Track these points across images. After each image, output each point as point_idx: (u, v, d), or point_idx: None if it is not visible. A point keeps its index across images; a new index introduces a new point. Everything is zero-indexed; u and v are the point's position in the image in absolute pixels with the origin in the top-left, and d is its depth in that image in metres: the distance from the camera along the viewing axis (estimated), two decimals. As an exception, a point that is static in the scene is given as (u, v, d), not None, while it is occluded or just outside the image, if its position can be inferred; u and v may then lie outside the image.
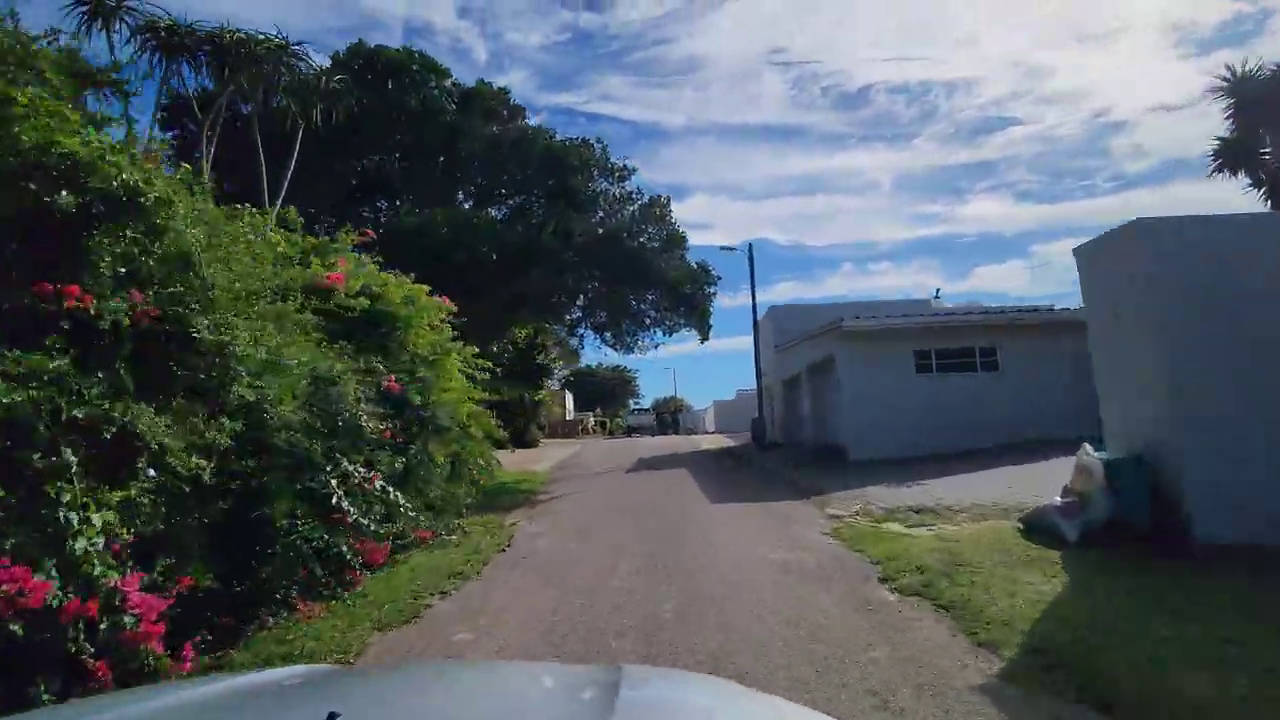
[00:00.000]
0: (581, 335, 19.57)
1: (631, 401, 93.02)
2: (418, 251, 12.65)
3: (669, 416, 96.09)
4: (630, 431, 54.95)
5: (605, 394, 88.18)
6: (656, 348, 19.68)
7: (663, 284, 16.49)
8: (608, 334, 18.94)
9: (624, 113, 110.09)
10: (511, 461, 21.92)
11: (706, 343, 18.39)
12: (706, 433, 45.19)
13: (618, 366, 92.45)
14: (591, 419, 64.61)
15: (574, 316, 18.56)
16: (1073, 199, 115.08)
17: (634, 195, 16.84)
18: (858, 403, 15.17)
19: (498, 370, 18.52)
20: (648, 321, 18.27)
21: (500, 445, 11.03)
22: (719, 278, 17.39)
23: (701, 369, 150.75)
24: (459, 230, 12.98)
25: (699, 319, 17.67)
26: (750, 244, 24.45)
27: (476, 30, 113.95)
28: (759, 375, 24.15)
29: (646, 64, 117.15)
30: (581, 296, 17.54)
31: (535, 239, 13.92)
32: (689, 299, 17.10)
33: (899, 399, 15.08)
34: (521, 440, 30.17)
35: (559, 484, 15.20)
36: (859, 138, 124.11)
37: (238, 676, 1.44)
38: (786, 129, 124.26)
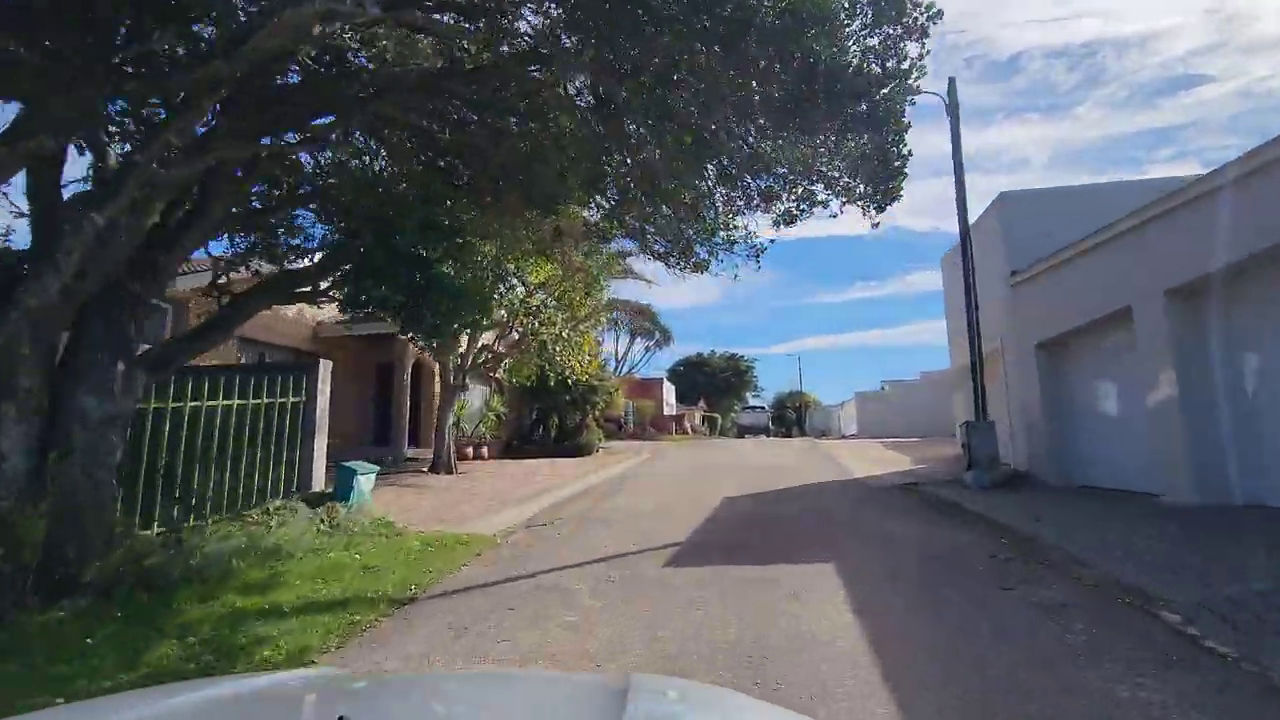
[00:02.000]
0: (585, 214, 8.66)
1: (748, 395, 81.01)
2: None
3: (791, 414, 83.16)
4: (743, 432, 43.68)
5: (718, 387, 77.09)
6: (758, 256, 8.55)
7: (794, 63, 5.50)
8: (647, 225, 8.22)
9: None
10: (508, 487, 12.01)
11: (881, 220, 7.02)
12: (844, 437, 33.06)
13: (733, 355, 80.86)
14: (697, 415, 53.89)
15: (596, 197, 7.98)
16: None
17: None
18: None
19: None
20: (759, 169, 7.20)
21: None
22: (928, 60, 6.08)
23: (831, 364, 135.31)
24: None
25: (884, 160, 6.45)
26: (952, 79, 12.65)
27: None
28: (974, 338, 12.32)
29: None
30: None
31: None
32: (856, 115, 6.00)
33: None
34: (577, 444, 20.23)
35: (421, 619, 4.78)
36: (1008, 110, 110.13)
37: (245, 679, 1.48)
38: (925, 106, 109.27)
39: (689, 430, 40.37)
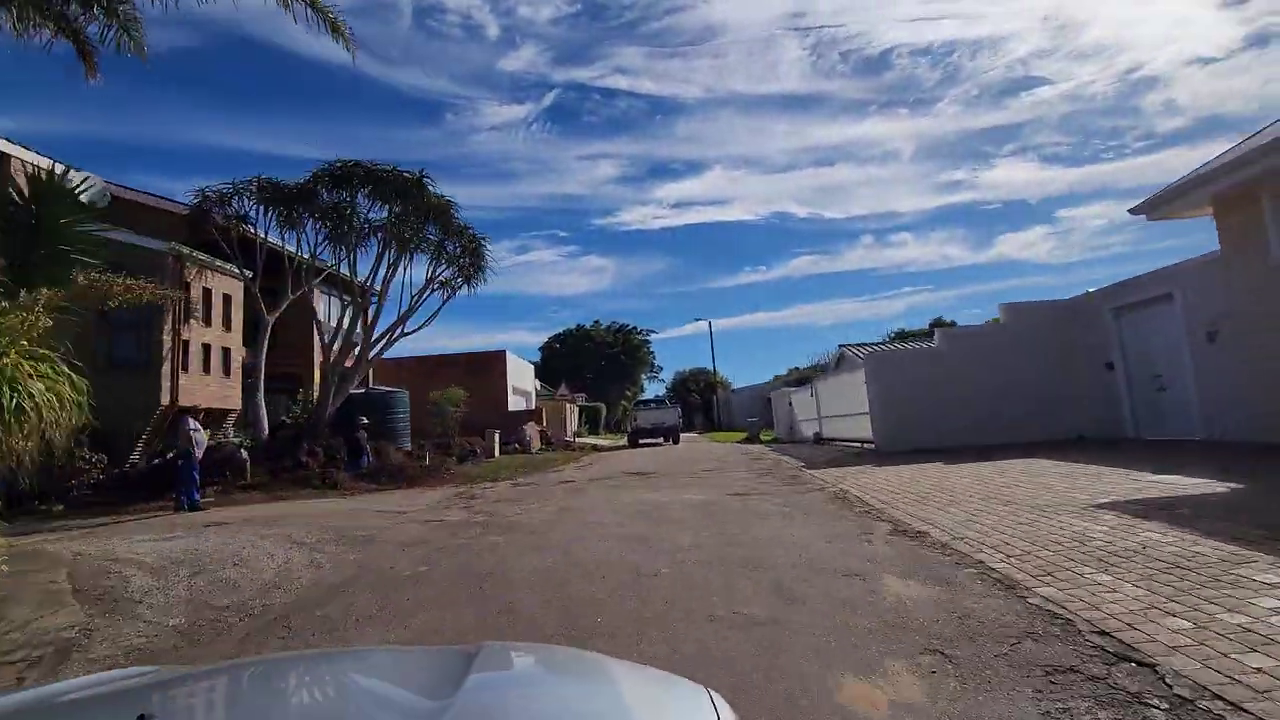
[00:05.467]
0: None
1: (642, 376, 64.45)
2: None
3: (695, 398, 67.94)
4: (639, 437, 27.12)
5: (605, 368, 60.32)
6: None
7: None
8: None
9: (640, 86, 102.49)
10: None
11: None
12: (823, 440, 17.07)
13: (623, 327, 64.08)
14: (571, 410, 36.67)
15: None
16: (1101, 161, 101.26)
17: None
18: None
19: None
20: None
21: None
22: None
23: (726, 347, 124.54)
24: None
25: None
26: None
27: (488, 7, 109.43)
28: None
29: (662, 34, 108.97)
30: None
31: None
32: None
33: None
34: None
35: None
36: (880, 104, 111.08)
37: (53, 684, 1.34)
38: (807, 98, 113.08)
39: (538, 441, 22.96)
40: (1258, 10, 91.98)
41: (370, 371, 25.08)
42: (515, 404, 29.48)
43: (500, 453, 18.98)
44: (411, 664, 1.36)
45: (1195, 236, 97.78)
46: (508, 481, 12.79)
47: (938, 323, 54.36)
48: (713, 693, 1.02)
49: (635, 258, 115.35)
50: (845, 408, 17.16)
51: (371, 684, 1.23)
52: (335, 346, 15.99)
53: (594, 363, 58.60)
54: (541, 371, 55.99)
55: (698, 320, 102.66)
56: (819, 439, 19.24)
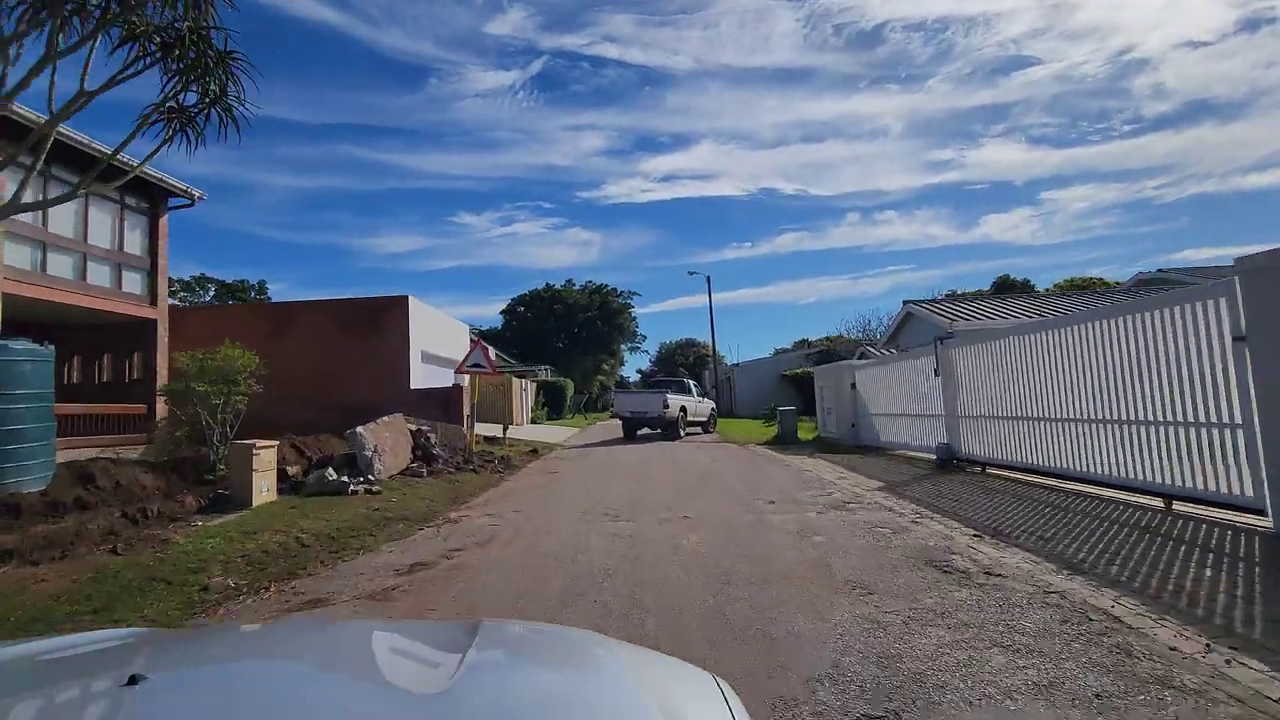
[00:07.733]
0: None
1: (624, 348, 54.43)
2: None
3: (687, 378, 58.50)
4: (630, 428, 18.23)
5: (580, 335, 50.64)
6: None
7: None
8: None
9: (629, 56, 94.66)
10: None
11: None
12: (1056, 479, 7.80)
13: (600, 288, 53.99)
14: (520, 389, 27.04)
15: None
16: (1087, 143, 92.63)
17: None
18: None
19: None
20: None
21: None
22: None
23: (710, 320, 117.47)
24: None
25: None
26: None
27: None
28: None
29: (654, 0, 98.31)
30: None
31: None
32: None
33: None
34: None
35: None
36: (871, 80, 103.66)
37: (36, 641, 1.23)
38: (797, 72, 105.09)
39: (404, 454, 13.24)
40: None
41: (162, 329, 15.20)
42: (430, 378, 19.90)
43: (285, 492, 8.82)
44: (411, 637, 1.32)
45: (1180, 220, 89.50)
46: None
47: (1008, 277, 44.67)
48: (720, 680, 0.99)
49: (621, 231, 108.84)
50: (1045, 404, 7.81)
51: (369, 654, 1.17)
52: None
53: (566, 330, 48.85)
54: (506, 341, 46.19)
55: (692, 274, 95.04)
56: (953, 459, 9.97)
